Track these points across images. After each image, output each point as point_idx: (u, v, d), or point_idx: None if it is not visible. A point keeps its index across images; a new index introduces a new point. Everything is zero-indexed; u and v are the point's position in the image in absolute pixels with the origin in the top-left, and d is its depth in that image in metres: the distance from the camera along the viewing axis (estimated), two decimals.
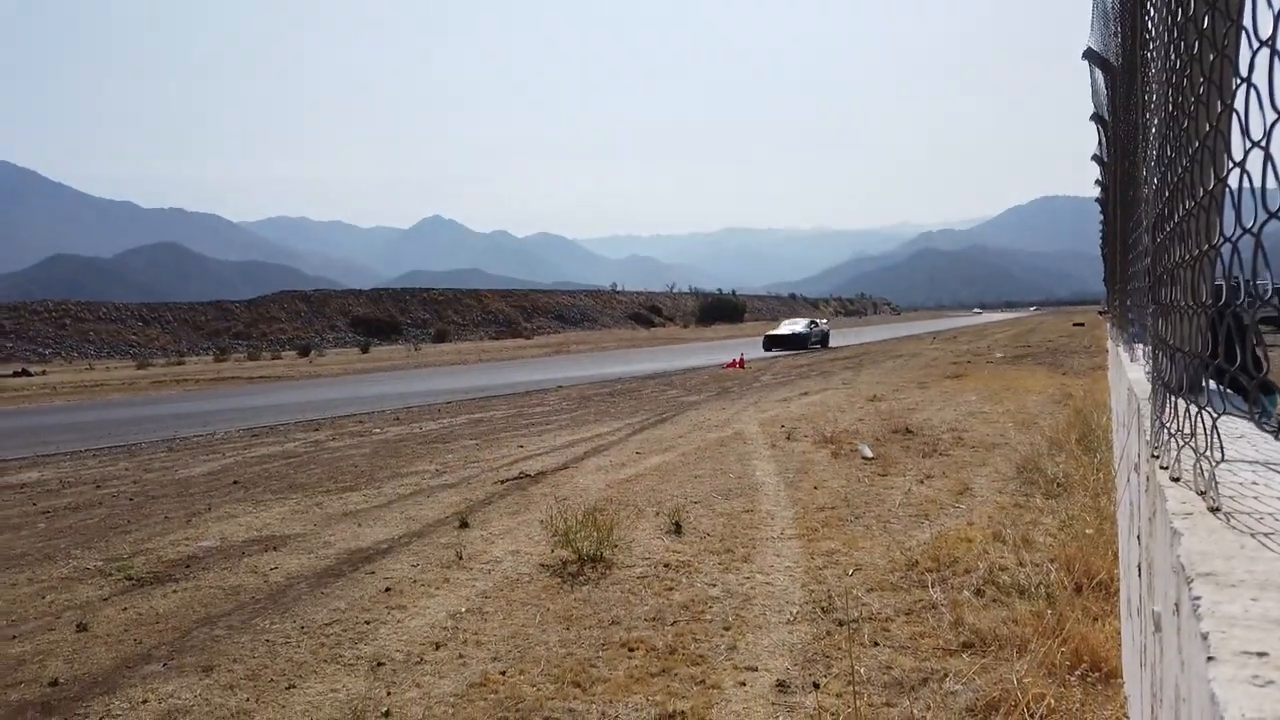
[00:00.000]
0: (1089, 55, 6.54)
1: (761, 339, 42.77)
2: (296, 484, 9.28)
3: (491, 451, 11.02)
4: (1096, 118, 8.35)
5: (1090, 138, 9.86)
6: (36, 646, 4.62)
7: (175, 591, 5.51)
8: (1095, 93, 8.07)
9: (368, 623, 4.78)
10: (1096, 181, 11.14)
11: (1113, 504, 5.78)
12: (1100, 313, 49.90)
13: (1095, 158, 10.18)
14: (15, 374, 49.72)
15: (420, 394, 23.13)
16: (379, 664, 4.18)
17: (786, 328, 42.49)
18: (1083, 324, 52.56)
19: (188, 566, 6.09)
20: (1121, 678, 3.45)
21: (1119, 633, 3.80)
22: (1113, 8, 4.99)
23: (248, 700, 3.83)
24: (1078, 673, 3.61)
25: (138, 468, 11.18)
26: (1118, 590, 4.27)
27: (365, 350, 70.22)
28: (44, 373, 51.98)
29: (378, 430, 14.34)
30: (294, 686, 3.96)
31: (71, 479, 10.47)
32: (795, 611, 4.64)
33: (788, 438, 10.75)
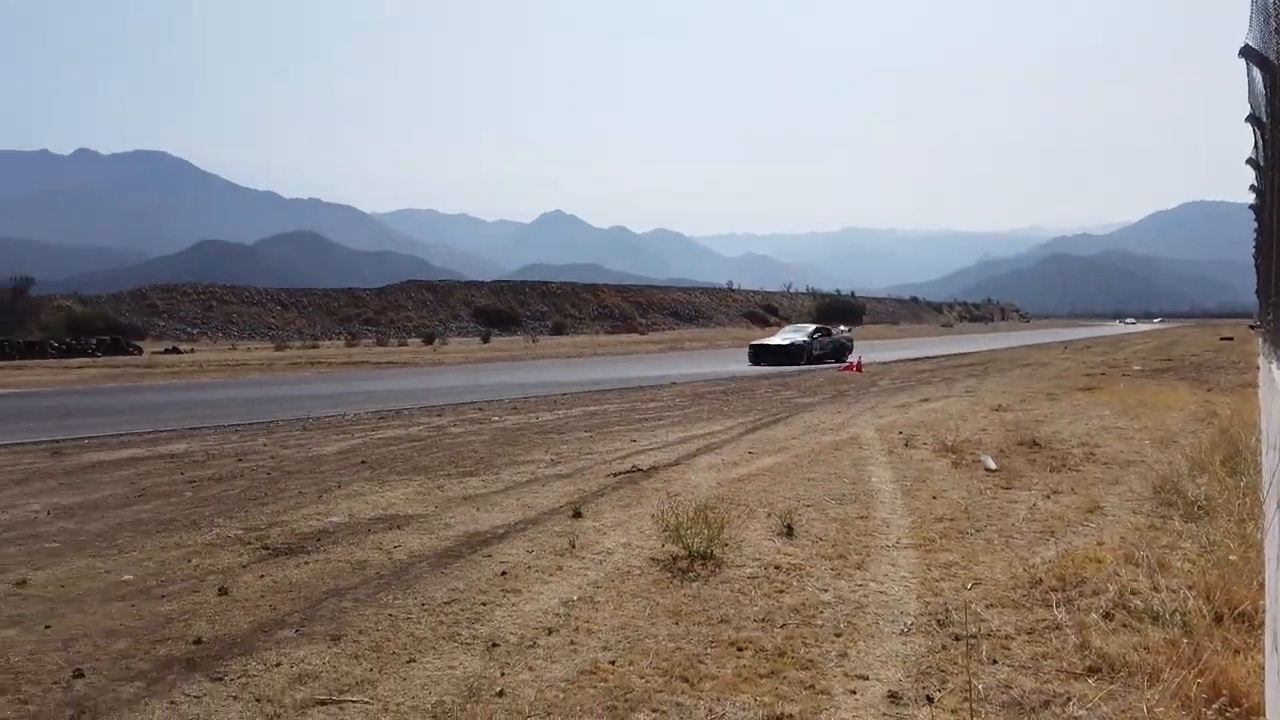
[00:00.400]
0: (1246, 53, 6.13)
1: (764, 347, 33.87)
2: (420, 466, 9.65)
3: (605, 444, 11.18)
4: (1253, 119, 7.83)
5: (1245, 140, 9.25)
6: (182, 606, 4.96)
7: (307, 563, 5.82)
8: (1252, 93, 7.57)
9: (484, 604, 4.93)
10: (1251, 187, 10.45)
11: (1259, 531, 5.43)
12: (1251, 327, 46.54)
13: (1250, 162, 9.55)
14: (167, 351, 53.41)
15: (537, 385, 23.64)
16: (494, 645, 4.32)
17: (783, 336, 35.06)
18: (1231, 338, 49.26)
19: (319, 540, 6.42)
20: (1264, 715, 3.25)
21: (1262, 667, 3.57)
22: (1274, 3, 4.67)
23: (371, 670, 4.02)
24: (1215, 707, 3.42)
25: (275, 444, 11.84)
26: (1262, 622, 4.01)
27: (486, 340, 72.21)
28: (192, 351, 55.59)
29: (496, 418, 14.74)
30: (414, 660, 4.14)
31: (215, 452, 11.17)
32: (910, 623, 4.55)
33: (906, 444, 10.50)
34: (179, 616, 4.79)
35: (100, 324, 62.29)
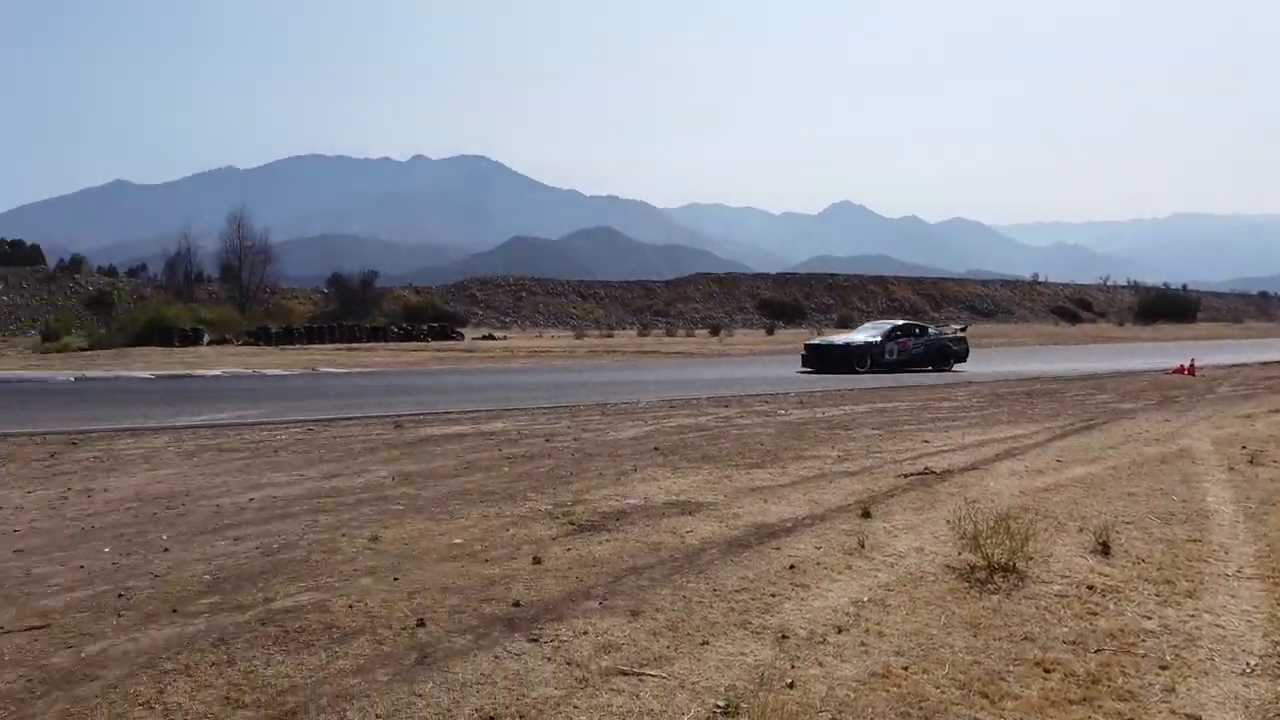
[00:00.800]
0: None
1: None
2: (709, 455, 9.93)
3: (894, 443, 10.85)
4: None
5: None
6: (503, 571, 5.50)
7: (608, 540, 6.22)
8: None
9: (773, 595, 5.01)
10: None
11: None
12: None
13: None
14: (483, 337, 59.04)
15: (820, 379, 23.38)
16: (783, 636, 4.38)
17: (853, 334, 28.84)
18: None
19: (618, 519, 6.83)
20: None
21: None
22: None
23: (668, 648, 4.23)
24: None
25: (577, 427, 12.71)
26: None
27: (770, 332, 72.48)
28: (505, 337, 60.95)
29: (782, 411, 14.79)
30: (707, 643, 4.30)
31: (527, 432, 12.20)
32: (1254, 663, 4.02)
33: (1251, 461, 9.21)
34: (500, 580, 5.31)
35: (430, 312, 70.35)
